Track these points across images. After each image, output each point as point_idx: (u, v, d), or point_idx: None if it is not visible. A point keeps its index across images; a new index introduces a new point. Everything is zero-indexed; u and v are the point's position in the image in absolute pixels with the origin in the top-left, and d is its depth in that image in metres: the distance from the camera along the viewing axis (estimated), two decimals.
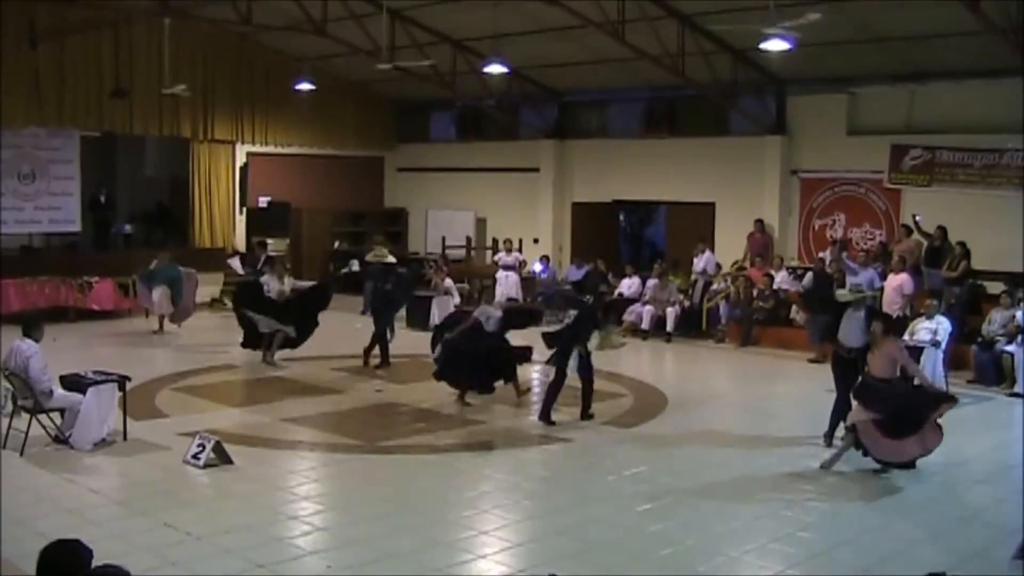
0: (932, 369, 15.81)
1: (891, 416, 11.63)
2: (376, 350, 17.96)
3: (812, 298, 19.76)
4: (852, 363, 12.88)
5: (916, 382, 12.22)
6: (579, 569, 8.58)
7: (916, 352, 15.78)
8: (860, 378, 12.24)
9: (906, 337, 16.48)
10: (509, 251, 25.32)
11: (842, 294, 14.46)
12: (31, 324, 12.63)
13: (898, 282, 18.07)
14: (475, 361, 15.10)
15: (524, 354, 16.21)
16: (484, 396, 15.24)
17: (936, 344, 15.99)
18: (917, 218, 19.95)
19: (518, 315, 17.55)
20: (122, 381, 12.73)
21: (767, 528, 9.94)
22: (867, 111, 21.85)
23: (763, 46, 16.71)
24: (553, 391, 14.16)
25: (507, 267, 24.82)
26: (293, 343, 17.93)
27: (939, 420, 11.78)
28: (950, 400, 12.05)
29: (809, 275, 20.45)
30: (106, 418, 12.38)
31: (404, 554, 9.02)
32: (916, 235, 20.03)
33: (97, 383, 12.35)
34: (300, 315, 17.92)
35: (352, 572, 8.62)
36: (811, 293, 19.88)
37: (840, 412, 12.80)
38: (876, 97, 21.64)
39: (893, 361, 11.94)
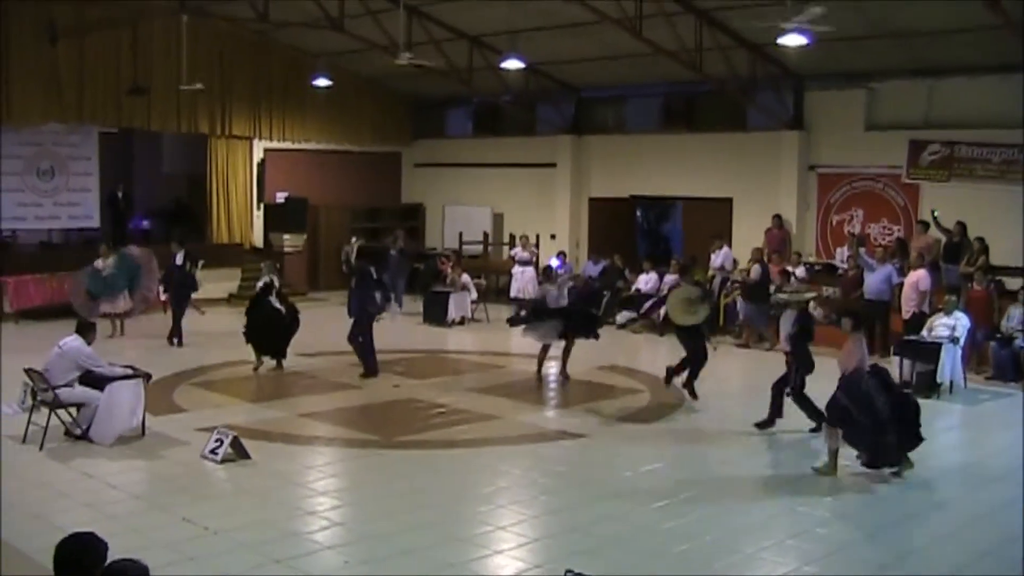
0: (951, 365, 15.77)
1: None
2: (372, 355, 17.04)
3: (754, 289, 19.84)
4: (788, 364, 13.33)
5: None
6: (595, 565, 8.57)
7: (935, 348, 15.76)
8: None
9: (924, 333, 16.44)
10: (524, 246, 25.32)
11: (779, 297, 14.52)
12: (85, 326, 12.90)
13: (915, 278, 18.00)
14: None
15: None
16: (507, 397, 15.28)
17: (955, 340, 15.93)
18: (936, 214, 19.86)
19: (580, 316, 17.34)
20: (147, 377, 12.80)
21: (784, 525, 9.94)
22: (885, 106, 21.76)
23: (780, 41, 16.67)
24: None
25: (523, 263, 24.83)
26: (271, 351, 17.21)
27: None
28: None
29: (756, 267, 20.47)
30: (135, 412, 12.46)
31: (420, 549, 9.04)
32: (934, 231, 19.94)
33: (119, 379, 12.42)
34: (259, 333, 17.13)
35: (369, 567, 8.65)
36: (755, 285, 19.89)
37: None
38: (894, 92, 21.55)
39: (850, 355, 11.71)
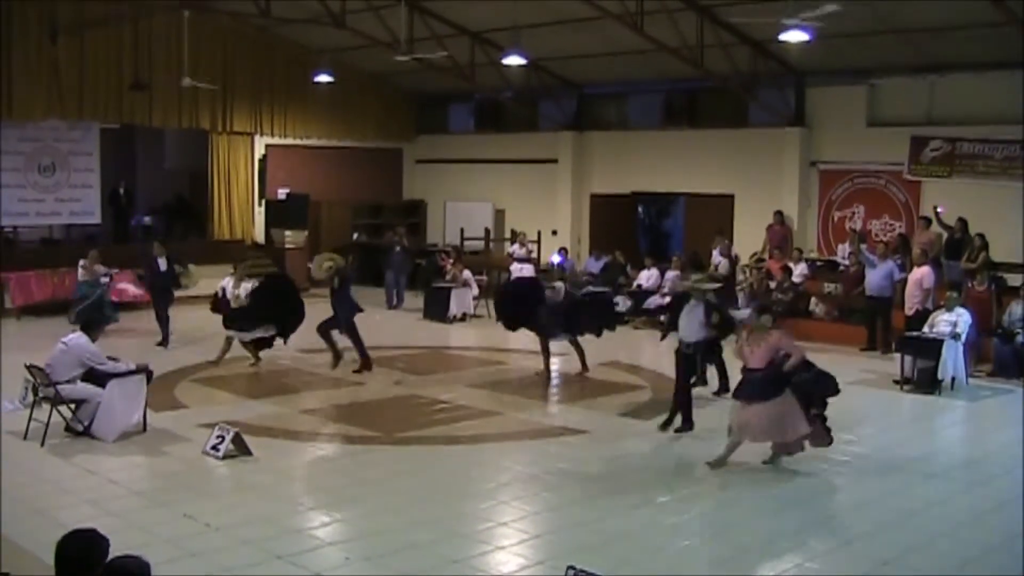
0: (953, 361, 15.75)
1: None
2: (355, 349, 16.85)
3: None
4: (692, 357, 13.08)
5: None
6: (597, 561, 8.56)
7: (936, 344, 15.74)
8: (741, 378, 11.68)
9: (926, 329, 16.43)
10: (522, 244, 25.28)
11: (682, 285, 14.28)
12: (90, 323, 12.95)
13: (919, 275, 17.97)
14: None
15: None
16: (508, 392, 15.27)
17: (956, 337, 15.91)
18: (939, 210, 19.87)
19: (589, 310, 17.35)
20: (149, 374, 12.81)
21: (786, 520, 9.93)
22: (887, 103, 21.76)
23: (782, 37, 16.67)
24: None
25: (520, 260, 24.76)
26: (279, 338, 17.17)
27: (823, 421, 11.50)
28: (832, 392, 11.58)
29: (724, 262, 20.67)
30: (137, 408, 12.48)
31: (422, 545, 9.04)
32: (936, 227, 19.95)
33: (121, 375, 12.43)
34: (270, 313, 16.94)
35: (370, 563, 8.65)
36: (722, 279, 19.51)
37: (684, 403, 13.11)
38: (896, 89, 21.55)
39: (776, 350, 11.41)
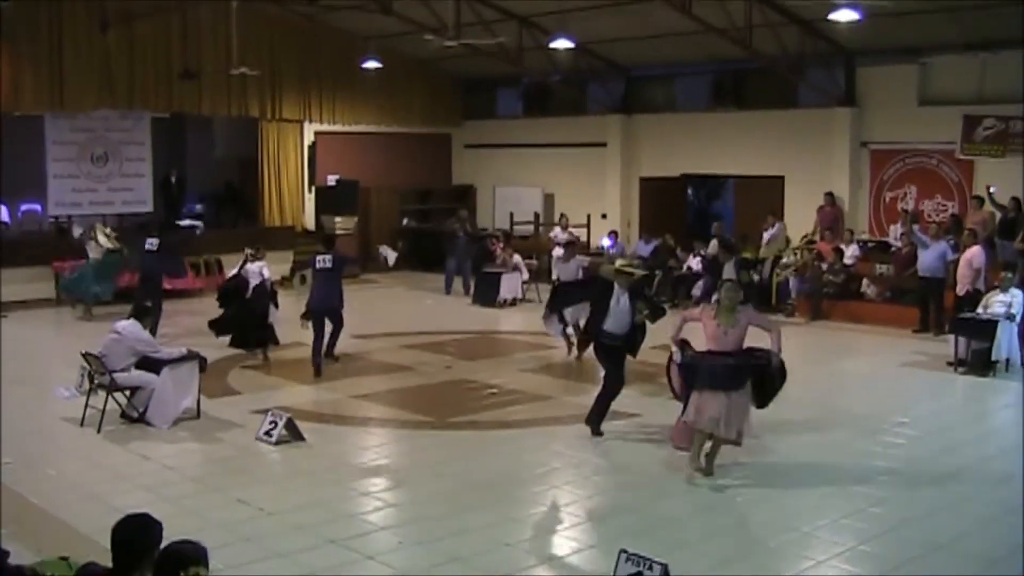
0: (1008, 342, 15.58)
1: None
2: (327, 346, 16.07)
3: (713, 263, 18.86)
4: (620, 351, 12.26)
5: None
6: (649, 545, 8.55)
7: (991, 325, 15.57)
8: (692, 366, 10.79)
9: (980, 310, 16.26)
10: (565, 227, 25.12)
11: (607, 269, 13.53)
12: (141, 311, 13.03)
13: (969, 255, 17.78)
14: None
15: None
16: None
17: (1011, 317, 15.73)
18: (992, 190, 19.65)
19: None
20: (203, 361, 12.92)
21: (838, 504, 9.88)
22: (938, 81, 21.51)
23: (832, 17, 16.52)
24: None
25: (563, 245, 24.55)
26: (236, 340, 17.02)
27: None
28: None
29: (714, 242, 20.82)
30: (190, 394, 12.65)
31: (474, 529, 9.08)
32: (989, 206, 19.74)
33: (174, 362, 12.55)
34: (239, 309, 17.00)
35: (423, 547, 8.70)
36: (713, 259, 18.94)
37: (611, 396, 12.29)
38: (947, 67, 21.29)
39: (745, 330, 10.56)
